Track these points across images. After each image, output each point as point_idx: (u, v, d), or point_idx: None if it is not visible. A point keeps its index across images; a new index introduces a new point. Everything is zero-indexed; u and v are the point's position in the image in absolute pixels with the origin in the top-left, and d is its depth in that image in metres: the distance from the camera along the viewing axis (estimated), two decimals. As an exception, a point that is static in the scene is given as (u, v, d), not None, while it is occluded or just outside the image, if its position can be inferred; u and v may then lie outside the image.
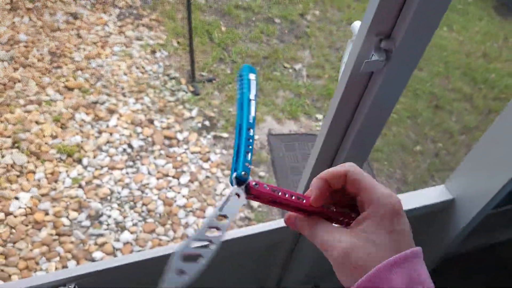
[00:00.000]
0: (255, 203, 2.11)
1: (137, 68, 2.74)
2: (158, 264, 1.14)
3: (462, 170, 1.43)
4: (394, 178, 2.35)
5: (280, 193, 0.39)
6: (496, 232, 2.02)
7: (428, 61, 3.22)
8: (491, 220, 1.84)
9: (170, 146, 2.31)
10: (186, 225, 1.98)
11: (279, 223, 1.28)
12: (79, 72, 2.60)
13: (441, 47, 3.39)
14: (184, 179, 2.15)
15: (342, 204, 0.42)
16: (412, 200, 1.43)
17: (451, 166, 2.45)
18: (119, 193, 2.04)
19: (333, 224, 0.41)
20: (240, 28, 3.21)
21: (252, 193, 0.38)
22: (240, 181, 0.38)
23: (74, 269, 1.05)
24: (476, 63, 3.31)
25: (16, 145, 2.12)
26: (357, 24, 0.87)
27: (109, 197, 2.01)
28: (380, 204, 0.37)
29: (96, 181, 2.06)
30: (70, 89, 2.48)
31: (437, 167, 2.46)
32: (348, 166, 0.40)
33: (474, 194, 1.38)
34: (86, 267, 1.06)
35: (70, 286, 1.05)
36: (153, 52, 2.88)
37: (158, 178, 2.14)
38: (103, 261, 1.09)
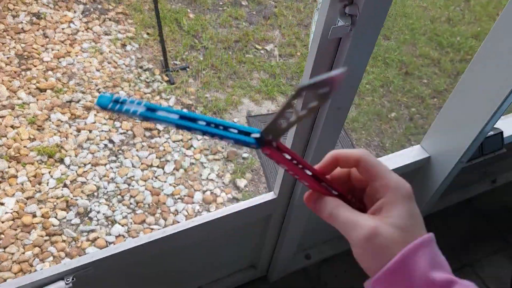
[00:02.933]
0: (241, 184, 2.15)
1: (109, 63, 2.72)
2: (152, 249, 1.18)
3: (435, 129, 1.50)
4: (373, 146, 2.42)
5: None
6: (470, 186, 2.12)
7: (394, 29, 3.29)
8: (465, 175, 1.93)
9: (151, 137, 2.32)
10: (176, 212, 2.01)
11: (268, 196, 1.33)
12: (50, 72, 2.56)
13: (405, 15, 3.47)
14: (169, 167, 2.18)
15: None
16: (391, 161, 1.50)
17: (425, 129, 2.54)
18: (105, 188, 2.05)
19: None
20: (208, 14, 3.20)
21: (274, 146, 0.35)
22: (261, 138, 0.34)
23: (71, 262, 1.08)
24: (441, 28, 3.40)
25: (-6, 151, 2.09)
26: (321, -6, 0.90)
27: (96, 193, 2.02)
28: (399, 190, 0.38)
29: (80, 179, 2.06)
30: (43, 90, 2.45)
31: (412, 131, 2.55)
32: (363, 152, 0.40)
33: (448, 150, 1.45)
34: (82, 259, 1.08)
35: (68, 279, 1.07)
36: (124, 45, 2.86)
37: (143, 170, 2.15)
38: (98, 251, 1.11)
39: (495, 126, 1.61)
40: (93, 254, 1.10)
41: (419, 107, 2.70)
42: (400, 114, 2.65)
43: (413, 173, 1.59)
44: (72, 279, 1.07)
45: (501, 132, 1.55)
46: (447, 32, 3.35)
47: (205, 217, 1.24)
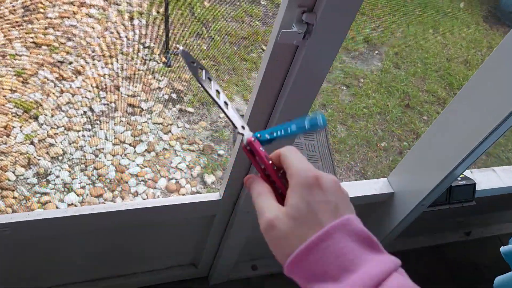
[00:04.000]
0: (209, 180, 2.10)
1: (112, 33, 2.69)
2: (93, 222, 1.13)
3: (403, 165, 1.43)
4: (354, 171, 2.35)
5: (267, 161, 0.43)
6: (443, 233, 2.04)
7: (407, 60, 3.21)
8: (435, 221, 1.85)
9: (133, 114, 2.28)
10: (136, 194, 1.96)
11: (213, 196, 1.28)
12: (51, 30, 2.54)
13: (423, 48, 3.38)
14: (141, 148, 2.13)
15: None
16: (356, 188, 1.44)
17: (411, 166, 2.46)
18: (71, 154, 2.01)
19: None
20: (223, 5, 3.16)
21: (248, 145, 0.45)
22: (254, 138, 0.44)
23: (13, 215, 1.04)
24: (456, 69, 3.31)
25: (-29, 94, 2.07)
26: (284, -7, 0.85)
27: (60, 157, 1.98)
28: (297, 178, 0.38)
29: (49, 140, 2.02)
30: (38, 45, 2.43)
31: (398, 165, 2.47)
32: (286, 148, 0.42)
33: (412, 189, 1.39)
34: (24, 216, 1.04)
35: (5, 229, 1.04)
36: (131, 18, 2.83)
37: (114, 144, 2.11)
38: (43, 211, 1.08)
39: (468, 176, 1.54)
40: (13, 215, 1.05)
41: (411, 143, 2.62)
42: (390, 146, 2.57)
43: (376, 205, 1.53)
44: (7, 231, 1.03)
45: (474, 184, 1.48)
46: (461, 74, 3.26)
47: (147, 202, 1.19)
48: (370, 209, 1.54)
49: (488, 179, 1.62)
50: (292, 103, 0.92)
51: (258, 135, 0.45)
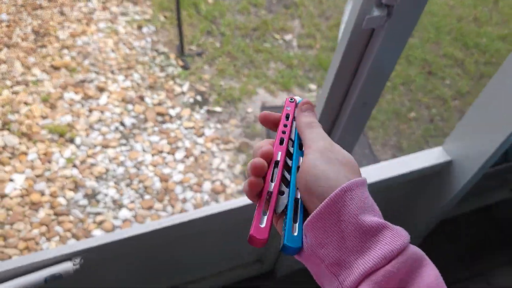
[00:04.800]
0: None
1: (125, 44, 2.68)
2: (160, 236, 1.14)
3: (459, 132, 1.43)
4: (389, 145, 2.36)
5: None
6: (490, 193, 2.05)
7: (418, 27, 3.19)
8: (484, 182, 1.86)
9: (163, 122, 2.29)
10: (184, 200, 1.98)
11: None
12: (65, 51, 2.53)
13: (431, 13, 3.36)
14: (180, 154, 2.14)
15: None
16: (410, 162, 1.44)
17: (445, 132, 2.46)
18: (114, 171, 2.02)
19: None
20: (227, 0, 3.14)
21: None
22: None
23: (79, 243, 1.05)
24: (467, 28, 3.29)
25: (6, 127, 2.07)
26: (356, -19, 0.84)
27: (104, 176, 2.00)
28: (310, 146, 0.41)
29: (90, 160, 2.03)
30: (57, 68, 2.42)
31: (432, 133, 2.47)
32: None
33: (471, 154, 1.39)
34: (91, 241, 1.06)
35: (76, 260, 1.04)
36: (140, 27, 2.81)
37: (153, 155, 2.12)
38: (107, 235, 1.08)
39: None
40: (102, 236, 1.07)
41: (440, 109, 2.62)
42: (420, 115, 2.57)
43: (430, 176, 1.53)
44: (80, 261, 1.04)
45: (528, 140, 1.48)
46: (473, 33, 3.24)
47: (214, 208, 1.20)
48: (428, 180, 1.55)
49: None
50: (367, 86, 0.92)
51: None
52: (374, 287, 0.31)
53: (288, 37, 2.97)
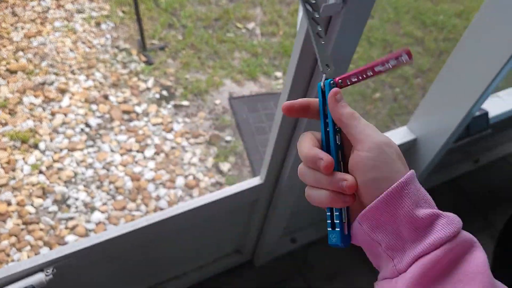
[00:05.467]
0: (225, 167, 2.11)
1: (83, 43, 2.59)
2: (136, 237, 1.13)
3: (422, 110, 1.47)
4: (357, 127, 2.40)
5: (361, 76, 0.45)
6: (454, 166, 2.13)
7: (377, 7, 3.24)
8: (449, 156, 1.93)
9: (130, 120, 2.24)
10: (158, 198, 1.96)
11: (255, 181, 1.29)
12: (21, 53, 2.43)
13: (389, -7, 3.42)
14: (149, 152, 2.11)
15: None
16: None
17: (409, 109, 2.53)
18: (83, 174, 1.97)
19: None
20: (187, -9, 3.08)
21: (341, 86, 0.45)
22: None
23: (50, 253, 1.02)
24: (424, 6, 3.37)
25: (-37, 137, 1.98)
26: (310, -32, 0.85)
27: (73, 179, 1.95)
28: (362, 141, 0.39)
29: (57, 165, 1.97)
30: (13, 72, 2.32)
31: (397, 111, 2.53)
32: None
33: (435, 131, 1.44)
34: (63, 250, 1.03)
35: (48, 271, 1.02)
36: (98, 24, 2.73)
37: (122, 154, 2.08)
38: (78, 242, 1.06)
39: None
40: (74, 244, 1.04)
41: (403, 87, 2.69)
42: (384, 95, 2.62)
43: (399, 155, 1.57)
44: (53, 271, 1.02)
45: (487, 113, 1.54)
46: (430, 11, 3.32)
47: (190, 203, 1.19)
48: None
49: (495, 105, 1.69)
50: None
51: (340, 81, 0.45)
52: (423, 268, 0.35)
53: (250, 25, 2.96)
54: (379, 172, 0.38)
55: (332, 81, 0.45)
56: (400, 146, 1.48)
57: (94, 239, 1.06)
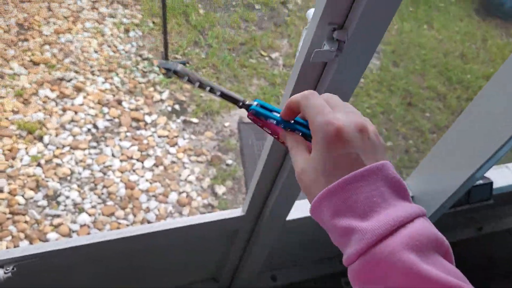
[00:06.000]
0: (220, 190, 2.08)
1: (109, 46, 2.66)
2: (110, 248, 1.11)
3: (423, 168, 1.43)
4: (362, 173, 2.35)
5: (268, 120, 0.47)
6: (456, 231, 2.04)
7: (405, 57, 3.22)
8: (450, 219, 1.86)
9: (137, 128, 2.26)
10: (147, 210, 1.94)
11: (236, 212, 1.26)
12: (47, 47, 2.50)
13: (420, 45, 3.40)
14: (149, 162, 2.11)
15: None
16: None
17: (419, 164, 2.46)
18: (79, 173, 1.98)
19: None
20: (218, 12, 3.14)
21: (250, 114, 0.48)
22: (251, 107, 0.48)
23: (15, 250, 1.01)
24: (453, 63, 3.33)
25: (-27, 118, 2.03)
26: (311, 12, 0.84)
27: (68, 177, 1.95)
28: (319, 133, 0.38)
29: (56, 160, 1.99)
30: (36, 63, 2.39)
31: (406, 163, 2.47)
32: (302, 96, 0.42)
33: (433, 192, 1.39)
34: (29, 249, 1.02)
35: (8, 268, 1.00)
36: (127, 31, 2.80)
37: (122, 161, 2.08)
38: (45, 243, 1.04)
39: (485, 175, 1.54)
40: (39, 245, 1.03)
41: (417, 141, 2.63)
42: (397, 144, 2.57)
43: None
44: (12, 269, 1.00)
45: (491, 183, 1.48)
46: (458, 68, 3.28)
47: (171, 223, 1.17)
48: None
49: (502, 175, 1.63)
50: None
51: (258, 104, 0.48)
52: (352, 273, 0.37)
53: (274, 55, 2.98)
54: (321, 179, 0.40)
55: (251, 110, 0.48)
56: (395, 201, 1.43)
57: (63, 243, 1.05)
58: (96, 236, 1.09)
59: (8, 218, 1.76)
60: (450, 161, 1.33)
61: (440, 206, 1.35)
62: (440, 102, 2.95)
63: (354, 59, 0.81)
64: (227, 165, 2.21)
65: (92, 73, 2.45)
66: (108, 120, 2.24)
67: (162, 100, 2.44)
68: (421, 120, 2.77)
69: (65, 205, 1.86)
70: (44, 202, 1.84)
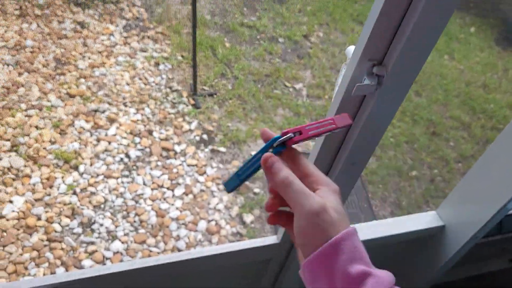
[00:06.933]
0: (248, 219, 2.11)
1: (140, 79, 2.78)
2: (145, 275, 1.15)
3: (454, 197, 1.44)
4: (388, 202, 2.35)
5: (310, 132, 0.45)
6: (487, 261, 2.01)
7: (427, 87, 3.26)
8: (481, 249, 1.84)
9: (167, 157, 2.33)
10: (178, 238, 1.98)
11: (271, 240, 1.28)
12: (82, 80, 2.63)
13: (441, 75, 3.44)
14: (179, 191, 2.16)
15: None
16: (404, 223, 1.43)
17: (446, 193, 2.46)
18: (113, 201, 2.04)
19: None
20: (244, 45, 3.26)
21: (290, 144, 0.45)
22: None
23: (61, 275, 1.05)
24: (475, 93, 3.35)
25: (14, 148, 2.13)
26: (351, 49, 0.89)
27: (102, 205, 2.02)
28: (330, 186, 0.44)
29: (90, 189, 2.06)
30: (72, 96, 2.51)
31: (432, 193, 2.47)
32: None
33: (465, 222, 1.39)
34: (72, 274, 1.06)
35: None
36: (157, 64, 2.92)
37: (152, 189, 2.14)
38: (90, 269, 1.09)
39: (518, 204, 1.53)
40: (84, 271, 1.07)
41: (442, 170, 2.63)
42: (422, 174, 2.57)
43: (425, 239, 1.52)
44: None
45: (524, 212, 1.47)
46: (481, 98, 3.29)
47: (203, 251, 1.20)
48: (420, 243, 1.54)
49: (534, 206, 1.61)
50: (356, 150, 0.95)
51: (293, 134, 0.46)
52: None
53: (298, 86, 3.05)
54: (310, 238, 0.41)
55: (280, 137, 0.44)
56: (425, 231, 1.44)
57: (104, 269, 1.09)
58: (136, 263, 1.13)
59: (45, 245, 1.82)
60: (481, 191, 1.33)
61: (472, 236, 1.35)
62: (464, 132, 2.95)
63: (392, 92, 0.85)
64: (255, 193, 2.24)
65: (125, 104, 2.56)
66: (139, 149, 2.32)
67: (190, 130, 2.52)
68: (446, 149, 2.78)
69: (99, 233, 1.91)
70: (79, 230, 1.91)
